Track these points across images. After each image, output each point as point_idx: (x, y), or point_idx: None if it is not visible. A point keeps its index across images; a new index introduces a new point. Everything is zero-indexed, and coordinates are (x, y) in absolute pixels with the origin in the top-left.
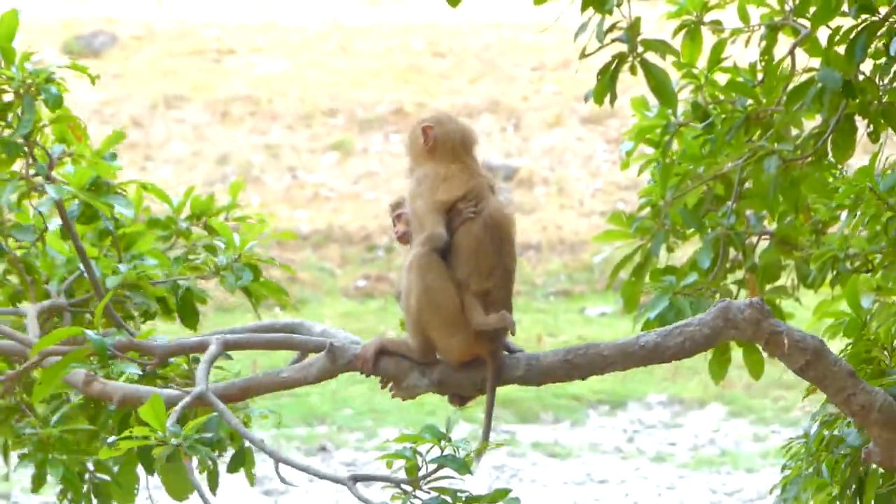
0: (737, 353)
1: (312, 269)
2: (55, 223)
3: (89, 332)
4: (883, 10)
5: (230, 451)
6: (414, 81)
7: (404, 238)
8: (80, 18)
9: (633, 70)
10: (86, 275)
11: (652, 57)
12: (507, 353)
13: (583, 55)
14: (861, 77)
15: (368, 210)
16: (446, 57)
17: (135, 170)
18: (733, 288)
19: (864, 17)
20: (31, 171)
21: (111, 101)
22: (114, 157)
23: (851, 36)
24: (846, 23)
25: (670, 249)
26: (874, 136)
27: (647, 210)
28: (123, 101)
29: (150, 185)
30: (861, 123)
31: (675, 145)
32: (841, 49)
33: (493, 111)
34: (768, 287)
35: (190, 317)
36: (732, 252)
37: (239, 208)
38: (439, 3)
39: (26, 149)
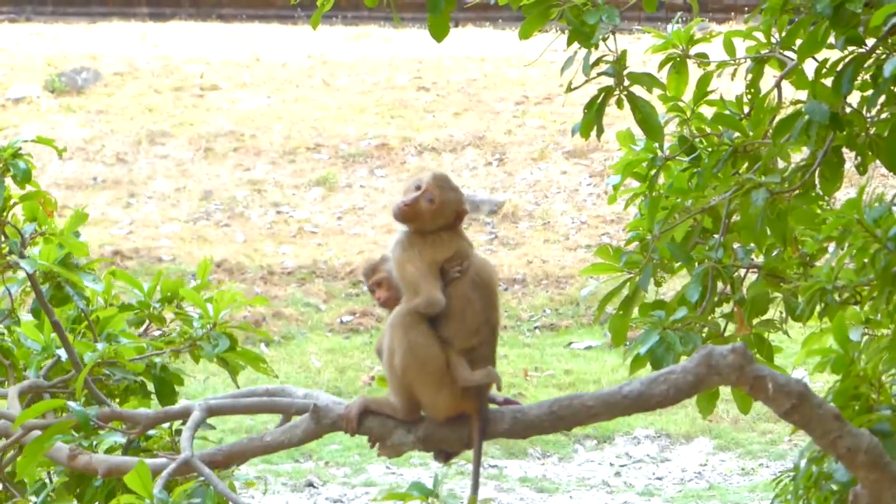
0: (725, 387)
1: (297, 304)
2: (26, 312)
3: (72, 404)
4: (870, 42)
5: None
6: (398, 116)
7: (389, 303)
8: (64, 55)
9: (619, 104)
10: (63, 358)
11: (638, 90)
12: (491, 404)
13: (569, 89)
14: (848, 109)
15: (353, 245)
16: (430, 91)
17: (119, 207)
18: (721, 322)
19: (850, 49)
20: (7, 250)
21: (95, 138)
22: (78, 234)
23: (838, 68)
24: (833, 55)
25: (658, 283)
26: (862, 168)
27: (635, 244)
28: (107, 137)
29: (120, 272)
30: (849, 155)
31: (662, 179)
32: (828, 81)
33: (477, 145)
34: (756, 320)
35: (168, 396)
36: (721, 285)
37: (209, 287)
38: (424, 37)
39: None
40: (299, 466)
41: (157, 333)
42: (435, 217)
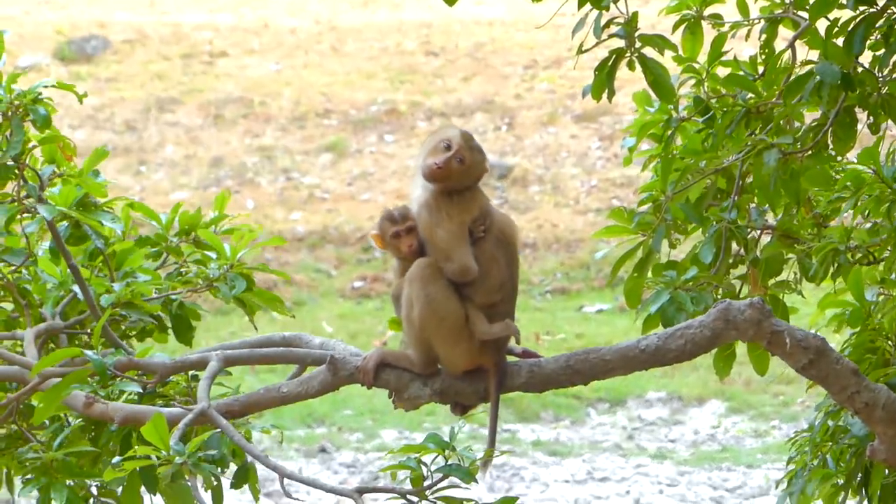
0: (739, 348)
1: (308, 270)
2: (43, 247)
3: (89, 353)
4: (881, 1)
5: (233, 467)
6: (407, 81)
7: (416, 252)
8: (73, 23)
9: (630, 65)
10: (80, 295)
11: (650, 52)
12: (513, 357)
13: (580, 51)
14: (860, 69)
15: (364, 211)
16: (439, 56)
17: (129, 174)
18: (736, 283)
19: (862, 8)
20: (23, 193)
21: (105, 106)
22: (97, 174)
23: (850, 28)
24: (845, 15)
25: (672, 245)
26: (874, 128)
27: (648, 205)
28: (117, 105)
29: (138, 204)
30: (861, 115)
31: (679, 140)
32: (839, 41)
33: (486, 110)
34: (771, 281)
35: (185, 333)
36: (735, 246)
37: (227, 219)
38: (432, 2)
39: (17, 171)
40: (312, 432)
41: (174, 268)
42: (463, 177)
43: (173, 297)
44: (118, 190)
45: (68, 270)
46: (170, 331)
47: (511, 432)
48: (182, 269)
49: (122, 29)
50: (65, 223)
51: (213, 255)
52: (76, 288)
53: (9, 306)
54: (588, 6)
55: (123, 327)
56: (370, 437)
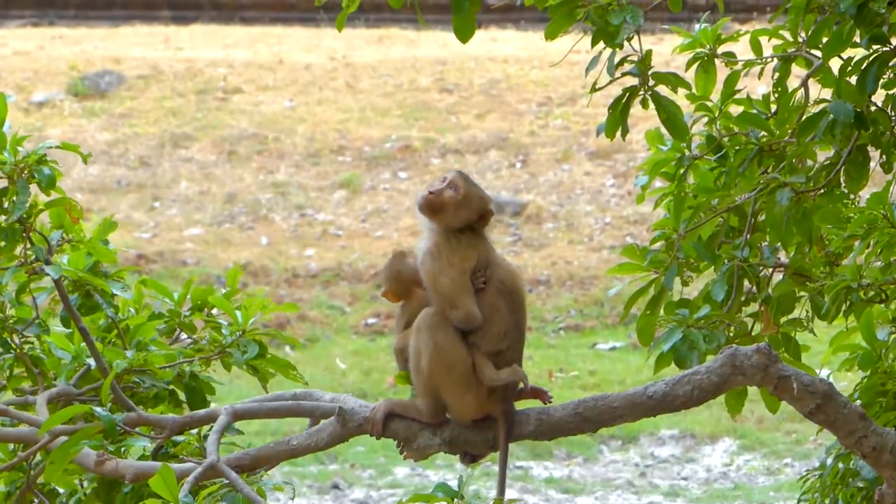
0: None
1: (322, 307)
2: (55, 323)
3: (98, 409)
4: (895, 40)
5: None
6: (421, 118)
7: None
8: (87, 58)
9: (644, 104)
10: (93, 366)
11: (663, 90)
12: (520, 395)
13: (593, 89)
14: (873, 108)
15: (377, 247)
16: (453, 93)
17: (143, 210)
18: (748, 321)
19: (875, 47)
20: (32, 257)
21: (119, 142)
22: (107, 242)
23: (863, 67)
24: (858, 54)
25: (685, 283)
26: (887, 167)
27: (661, 243)
28: (131, 140)
29: (150, 281)
30: (874, 154)
31: (691, 178)
32: (852, 80)
33: (500, 147)
34: (783, 319)
35: (199, 404)
36: (747, 284)
37: (239, 292)
38: (446, 39)
39: (24, 234)
40: (325, 468)
41: (187, 342)
42: (459, 210)
43: (187, 367)
44: (131, 227)
45: (82, 344)
46: (184, 404)
47: (524, 469)
48: (195, 341)
49: (137, 65)
50: (75, 295)
51: (225, 323)
52: (90, 360)
53: (22, 373)
54: (602, 44)
55: (136, 395)
56: (383, 473)
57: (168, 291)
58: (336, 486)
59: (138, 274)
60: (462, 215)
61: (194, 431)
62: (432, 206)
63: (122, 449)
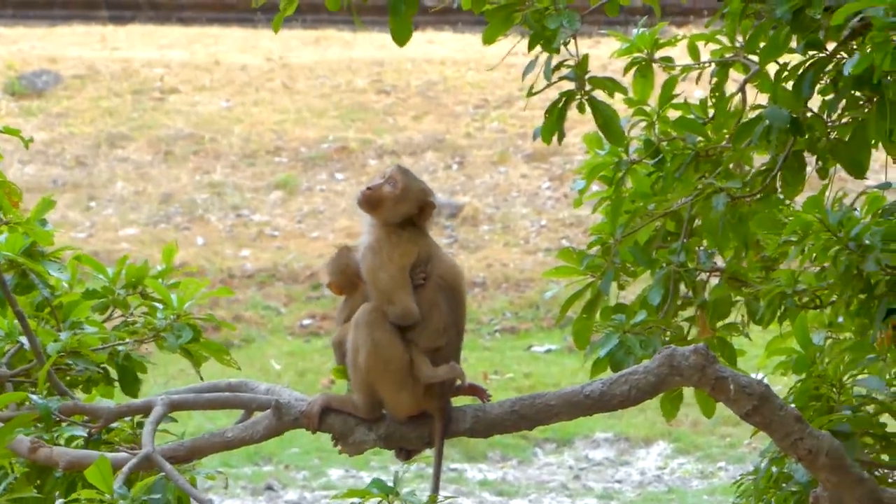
0: (686, 390)
1: (258, 307)
2: None
3: (34, 397)
4: (830, 46)
5: None
6: (358, 119)
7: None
8: (24, 58)
9: (580, 108)
10: (26, 346)
11: (600, 95)
12: (458, 392)
13: (530, 93)
14: (809, 113)
15: (313, 248)
16: (390, 94)
17: (78, 210)
18: (684, 325)
19: (811, 53)
20: None
21: (55, 141)
22: (44, 223)
23: (799, 72)
24: (795, 59)
25: (621, 287)
26: (823, 173)
27: (598, 247)
28: (67, 140)
29: (85, 256)
30: (810, 160)
31: (629, 183)
32: (789, 85)
33: (437, 149)
34: (718, 324)
35: (131, 385)
36: (683, 289)
37: (174, 272)
38: (383, 40)
39: None
40: (259, 470)
41: (121, 320)
42: (397, 204)
43: (119, 348)
44: (67, 226)
45: (15, 322)
46: (116, 383)
47: (458, 472)
48: (129, 321)
49: (74, 64)
50: (11, 274)
51: (160, 306)
52: (23, 339)
53: None
54: (539, 48)
55: (69, 377)
56: (317, 475)
57: (102, 268)
58: (270, 488)
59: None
60: (401, 209)
61: (128, 418)
62: (370, 201)
63: (56, 435)
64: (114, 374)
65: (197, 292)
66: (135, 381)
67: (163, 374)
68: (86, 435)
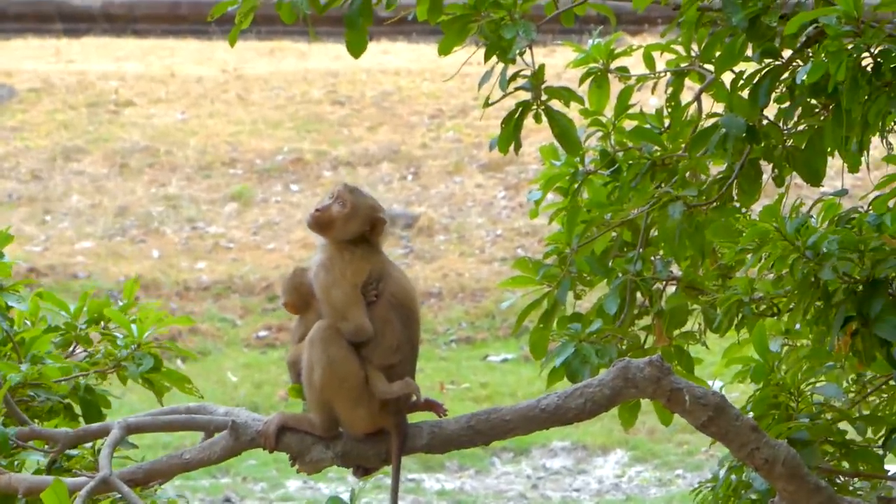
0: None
1: (213, 319)
2: None
3: None
4: (786, 54)
5: None
6: (313, 130)
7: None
8: None
9: (537, 118)
10: None
11: (556, 105)
12: (416, 410)
13: (486, 104)
14: (765, 121)
15: (269, 260)
16: (345, 105)
17: (34, 224)
18: (641, 334)
19: (767, 61)
20: None
21: (10, 155)
22: (1, 255)
23: (755, 81)
24: (750, 67)
25: (577, 296)
26: (779, 180)
27: (554, 257)
28: (22, 154)
29: (47, 293)
30: (766, 168)
31: (585, 193)
32: (744, 94)
33: (392, 159)
34: (675, 332)
35: (94, 418)
36: (640, 298)
37: (134, 305)
38: (338, 51)
39: None
40: (217, 482)
41: (83, 355)
42: (347, 223)
43: (81, 379)
44: (23, 240)
45: None
46: (80, 418)
47: (416, 482)
48: (91, 354)
49: (28, 77)
50: None
51: (119, 335)
52: None
53: None
54: (495, 58)
55: (31, 409)
56: (275, 486)
57: (64, 304)
58: (228, 500)
59: (32, 288)
60: (351, 227)
61: (88, 445)
62: (320, 223)
63: (16, 463)
64: (77, 409)
65: (156, 320)
66: (98, 415)
67: (124, 403)
68: (46, 462)
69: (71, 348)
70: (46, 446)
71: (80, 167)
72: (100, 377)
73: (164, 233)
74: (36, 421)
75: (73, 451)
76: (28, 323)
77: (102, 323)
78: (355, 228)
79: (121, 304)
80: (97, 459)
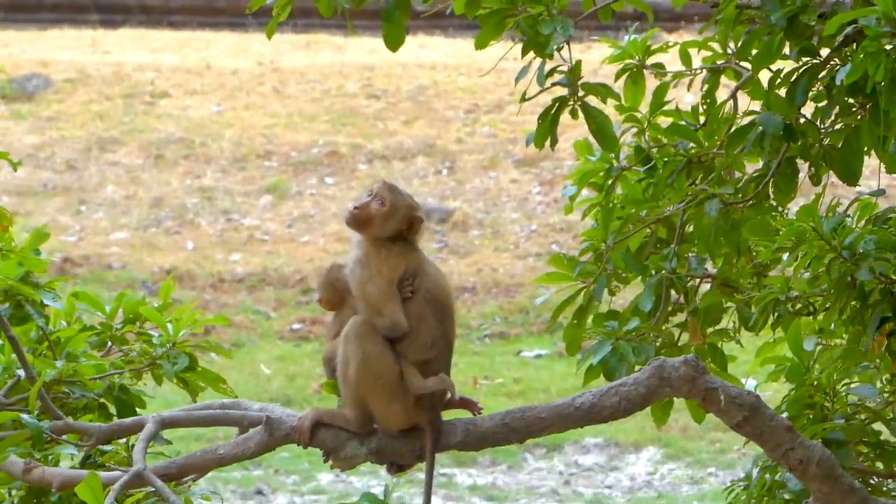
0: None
1: (247, 312)
2: None
3: (25, 417)
4: (824, 52)
5: None
6: (349, 124)
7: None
8: (14, 62)
9: (573, 114)
10: (23, 376)
11: (592, 101)
12: (451, 407)
13: (523, 99)
14: (802, 120)
15: (303, 253)
16: (381, 99)
17: (69, 214)
18: (675, 331)
19: (804, 59)
20: None
21: (45, 145)
22: (38, 252)
23: (792, 79)
24: (788, 66)
25: (612, 293)
26: (815, 179)
27: (589, 254)
28: (57, 144)
29: (83, 293)
30: (802, 166)
31: (619, 189)
32: (782, 92)
33: (427, 154)
34: (710, 330)
35: (129, 416)
36: (674, 295)
37: (172, 306)
38: (374, 45)
39: None
40: (249, 474)
41: (118, 354)
42: (386, 221)
43: (116, 378)
44: (57, 230)
45: (12, 356)
46: (115, 418)
47: (448, 476)
48: (126, 354)
49: (64, 68)
50: (6, 305)
51: (155, 334)
52: (20, 372)
53: None
54: (532, 53)
55: (66, 405)
56: (306, 479)
57: (100, 305)
58: (260, 492)
59: (67, 284)
60: (390, 226)
61: (122, 441)
62: (358, 221)
63: (50, 457)
64: (112, 409)
65: (191, 320)
66: (133, 415)
67: (161, 404)
68: (80, 456)
69: (106, 348)
70: (80, 440)
71: (115, 158)
72: (134, 376)
73: (199, 224)
74: (70, 417)
75: (107, 447)
76: (63, 323)
77: (138, 322)
78: (393, 227)
79: (155, 296)
80: (130, 455)
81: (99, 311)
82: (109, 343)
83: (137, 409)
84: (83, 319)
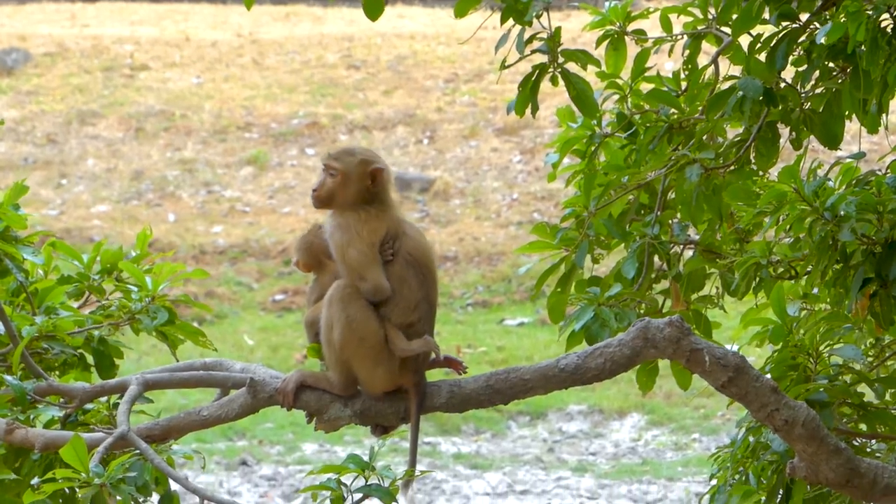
0: (662, 362)
1: (230, 283)
2: None
3: (8, 378)
4: (803, 17)
5: (156, 497)
6: (329, 94)
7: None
8: None
9: (554, 81)
10: (1, 329)
11: (573, 67)
12: (436, 366)
13: (503, 66)
14: (782, 84)
15: (285, 224)
16: (360, 69)
17: (50, 187)
18: (659, 298)
19: (784, 24)
20: None
21: (25, 119)
22: (17, 207)
23: (772, 44)
24: (767, 30)
25: (595, 260)
26: (796, 143)
27: (571, 221)
28: (38, 118)
29: (60, 243)
30: (783, 131)
31: (602, 156)
32: (762, 57)
33: (407, 123)
34: (693, 296)
35: (107, 370)
36: (657, 261)
37: (149, 256)
38: (353, 15)
39: None
40: (233, 445)
41: (96, 305)
42: (346, 188)
43: (95, 331)
44: (39, 204)
45: None
46: (93, 368)
47: (432, 445)
48: (104, 306)
49: (43, 42)
50: None
51: (134, 288)
52: None
53: None
54: (511, 21)
55: (45, 361)
56: (291, 450)
57: (77, 254)
58: (244, 463)
59: (50, 239)
60: (352, 190)
61: (104, 399)
62: (322, 200)
63: (31, 417)
64: (90, 359)
65: (171, 274)
66: (111, 367)
67: (135, 352)
68: (62, 416)
69: (84, 298)
70: (62, 400)
71: (95, 131)
72: (113, 329)
73: (180, 196)
74: (49, 373)
75: (89, 406)
76: (41, 273)
77: (116, 274)
78: (356, 189)
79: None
80: (112, 414)
81: (76, 261)
82: (87, 293)
83: (115, 361)
84: (60, 268)
